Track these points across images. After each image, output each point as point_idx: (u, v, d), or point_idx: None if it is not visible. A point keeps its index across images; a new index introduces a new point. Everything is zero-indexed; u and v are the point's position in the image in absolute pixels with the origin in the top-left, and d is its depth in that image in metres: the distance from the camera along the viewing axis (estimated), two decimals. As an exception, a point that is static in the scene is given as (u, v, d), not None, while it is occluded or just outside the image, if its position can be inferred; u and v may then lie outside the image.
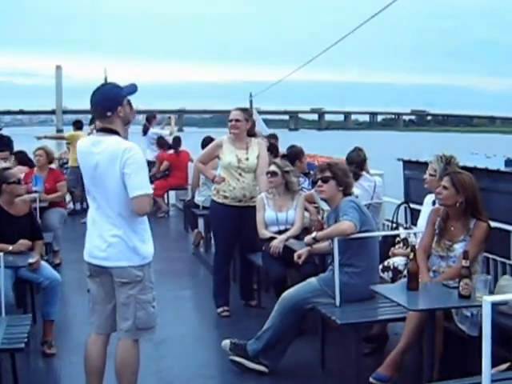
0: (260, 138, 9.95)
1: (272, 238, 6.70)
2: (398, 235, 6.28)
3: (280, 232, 6.80)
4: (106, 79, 16.28)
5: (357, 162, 7.40)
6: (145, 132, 15.03)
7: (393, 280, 5.71)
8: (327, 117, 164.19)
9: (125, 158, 4.18)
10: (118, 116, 4.35)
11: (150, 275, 4.44)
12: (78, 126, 14.74)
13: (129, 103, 4.46)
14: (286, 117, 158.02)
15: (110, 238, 4.29)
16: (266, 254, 6.69)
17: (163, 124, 16.05)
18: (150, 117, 15.44)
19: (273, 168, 6.90)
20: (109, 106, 4.33)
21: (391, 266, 5.85)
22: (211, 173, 7.42)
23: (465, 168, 6.02)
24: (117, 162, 4.18)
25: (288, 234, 6.70)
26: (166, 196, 14.56)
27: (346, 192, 5.55)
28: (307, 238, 5.67)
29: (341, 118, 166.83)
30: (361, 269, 5.34)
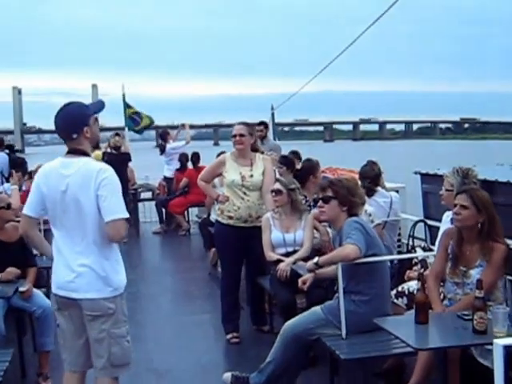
0: (270, 152, 9.57)
1: (279, 261, 6.22)
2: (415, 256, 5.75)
3: (288, 254, 6.32)
4: (124, 96, 15.99)
5: (371, 177, 6.92)
6: (162, 151, 14.60)
7: (408, 307, 5.19)
8: (362, 127, 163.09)
9: (99, 178, 3.89)
10: (85, 137, 4.05)
11: (123, 307, 4.12)
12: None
13: (96, 122, 4.14)
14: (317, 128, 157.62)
15: (79, 268, 3.96)
16: (273, 277, 6.22)
17: (176, 134, 15.54)
18: (164, 134, 14.99)
19: (277, 186, 6.43)
20: (73, 127, 4.02)
21: (406, 291, 5.33)
22: (214, 192, 7.00)
23: (485, 181, 5.48)
24: (91, 183, 3.88)
25: (296, 256, 6.22)
26: (186, 213, 14.14)
27: (351, 212, 5.05)
28: (309, 264, 5.18)
29: (376, 127, 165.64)
30: (369, 296, 4.82)
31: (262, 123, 12.56)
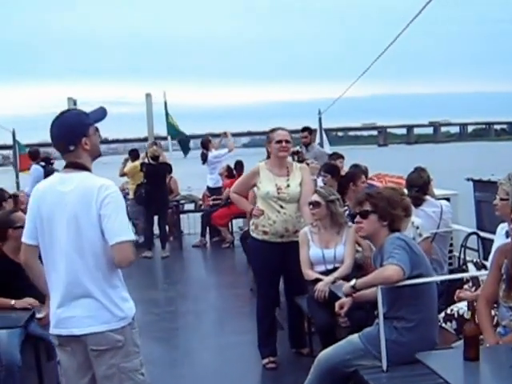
0: (311, 161, 9.07)
1: (318, 280, 5.69)
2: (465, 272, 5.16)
3: (328, 272, 5.79)
4: (165, 104, 15.66)
5: (419, 185, 6.35)
6: (204, 159, 14.14)
7: (458, 332, 4.61)
8: (416, 130, 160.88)
9: (101, 196, 3.45)
10: (84, 149, 3.59)
11: (134, 337, 3.64)
12: (134, 155, 14.07)
13: (97, 132, 3.71)
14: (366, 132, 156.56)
15: (80, 299, 3.51)
16: (311, 298, 5.69)
17: (219, 142, 15.07)
18: (205, 142, 14.47)
19: (315, 197, 5.90)
20: (70, 138, 3.57)
21: (455, 314, 4.75)
22: (248, 205, 6.50)
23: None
24: (92, 201, 3.45)
25: (335, 274, 5.68)
26: (230, 225, 13.66)
27: (393, 227, 4.50)
28: (345, 287, 4.62)
29: (430, 130, 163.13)
30: (414, 323, 4.26)
31: (306, 129, 12.05)
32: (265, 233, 6.15)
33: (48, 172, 10.82)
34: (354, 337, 4.45)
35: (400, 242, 4.27)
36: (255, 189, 6.37)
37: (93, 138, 3.62)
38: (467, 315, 4.55)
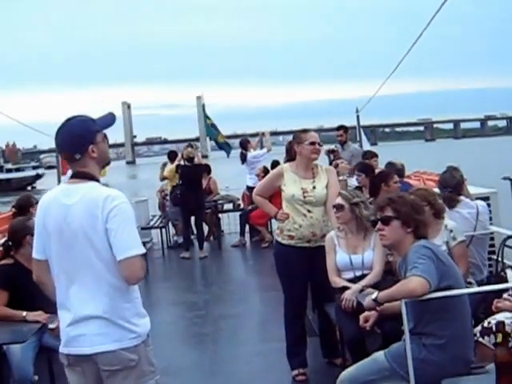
0: (340, 161, 8.65)
1: (345, 288, 5.24)
2: (505, 281, 4.65)
3: (356, 279, 5.33)
4: (203, 106, 15.39)
5: (452, 185, 5.85)
6: (243, 160, 13.76)
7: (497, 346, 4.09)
8: (463, 125, 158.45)
9: (108, 208, 3.15)
10: (91, 157, 3.29)
11: (149, 356, 3.36)
12: (172, 157, 13.75)
13: (105, 139, 3.39)
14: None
15: (91, 316, 3.20)
16: (338, 307, 5.23)
17: (257, 142, 14.68)
18: (244, 142, 14.12)
19: (338, 200, 5.46)
20: (76, 146, 3.28)
21: (493, 327, 4.24)
22: (272, 208, 6.07)
23: None
24: (98, 214, 3.14)
25: (363, 282, 5.22)
26: (269, 224, 13.24)
27: (418, 234, 4.03)
28: (367, 301, 4.17)
29: (477, 125, 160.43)
30: (444, 339, 3.80)
31: (342, 127, 11.62)
32: (290, 237, 5.74)
33: None
34: (380, 354, 4.01)
35: (425, 251, 3.81)
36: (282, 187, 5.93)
37: (101, 146, 3.32)
38: (509, 328, 4.02)
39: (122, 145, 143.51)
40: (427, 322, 3.84)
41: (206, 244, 12.94)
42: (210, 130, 15.66)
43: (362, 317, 4.43)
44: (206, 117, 15.64)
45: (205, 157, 16.21)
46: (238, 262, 12.56)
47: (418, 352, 3.79)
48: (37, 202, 7.15)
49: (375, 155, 9.49)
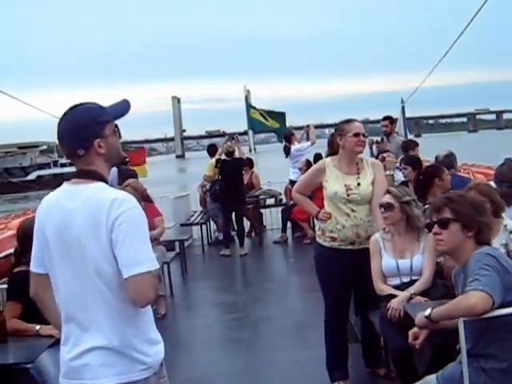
0: (387, 154, 8.04)
1: (392, 296, 4.66)
2: None
3: (403, 286, 4.76)
4: (246, 98, 14.84)
5: (510, 180, 5.19)
6: (287, 153, 13.18)
7: None
8: (505, 116, 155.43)
9: (113, 215, 2.55)
10: (98, 153, 2.70)
11: None
12: (211, 151, 13.25)
13: (116, 131, 2.78)
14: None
15: (94, 343, 2.62)
16: (384, 317, 4.66)
17: (302, 135, 14.06)
18: (288, 135, 13.51)
19: (386, 199, 4.86)
20: (79, 139, 2.67)
21: None
22: (313, 207, 5.50)
23: None
24: (102, 221, 2.55)
25: (412, 289, 4.63)
26: (311, 220, 12.64)
27: (481, 239, 3.44)
28: (419, 318, 3.58)
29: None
30: (507, 363, 3.23)
31: (388, 118, 10.97)
32: (333, 239, 5.18)
33: (123, 174, 10.03)
34: (431, 378, 3.45)
35: (489, 260, 3.22)
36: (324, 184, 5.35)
37: (110, 140, 2.71)
38: None
39: (171, 139, 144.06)
40: (487, 342, 3.26)
41: (247, 240, 12.46)
42: (254, 122, 15.09)
43: (411, 333, 3.85)
44: (251, 107, 15.06)
45: (251, 150, 15.75)
46: (279, 260, 12.00)
47: (476, 377, 3.22)
48: None
49: (416, 144, 8.90)
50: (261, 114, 15.15)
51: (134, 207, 2.60)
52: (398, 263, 4.79)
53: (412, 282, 4.73)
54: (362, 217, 5.13)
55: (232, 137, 12.50)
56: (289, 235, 12.89)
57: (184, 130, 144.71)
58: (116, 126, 2.79)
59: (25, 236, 4.71)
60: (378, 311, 4.93)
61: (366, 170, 5.22)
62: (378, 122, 11.71)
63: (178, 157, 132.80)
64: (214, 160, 12.52)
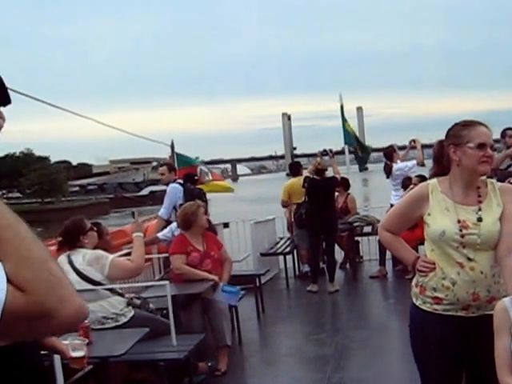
0: None
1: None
2: None
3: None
4: (342, 108, 13.47)
5: None
6: (388, 173, 11.33)
7: None
8: None
9: None
10: None
11: None
12: (294, 169, 11.73)
13: None
14: None
15: None
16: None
17: (406, 152, 12.13)
18: (390, 151, 11.57)
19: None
20: None
21: None
22: (408, 253, 3.81)
23: None
24: None
25: None
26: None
27: None
28: None
29: None
30: None
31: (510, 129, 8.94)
32: (437, 300, 3.48)
33: (189, 192, 8.78)
34: None
35: None
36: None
37: None
38: None
39: (282, 157, 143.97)
40: None
41: (339, 273, 10.74)
42: (349, 136, 13.55)
43: None
44: (345, 120, 13.58)
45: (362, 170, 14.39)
46: (376, 300, 10.05)
47: None
48: (91, 229, 5.54)
49: None
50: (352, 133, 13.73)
51: None
52: (542, 348, 3.03)
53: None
54: (484, 269, 3.40)
55: (325, 152, 10.88)
56: (388, 269, 11.06)
57: (295, 148, 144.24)
58: None
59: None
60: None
61: (491, 198, 3.49)
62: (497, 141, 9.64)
63: (288, 175, 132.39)
64: (295, 180, 11.03)
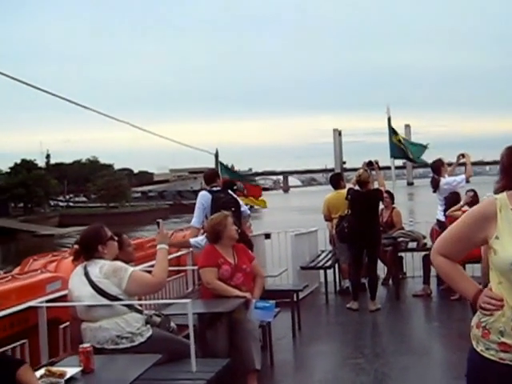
0: None
1: None
2: None
3: None
4: (389, 120, 12.65)
5: None
6: (435, 187, 10.28)
7: None
8: None
9: None
10: None
11: None
12: (335, 181, 10.81)
13: None
14: None
15: None
16: None
17: (454, 166, 11.03)
18: (438, 164, 10.48)
19: None
20: None
21: None
22: (469, 283, 2.84)
23: None
24: None
25: None
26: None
27: None
28: None
29: None
30: None
31: None
32: (505, 347, 2.54)
33: (216, 199, 7.87)
34: None
35: None
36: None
37: None
38: None
39: (332, 170, 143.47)
40: None
41: (381, 290, 9.75)
42: (394, 148, 12.60)
43: None
44: (393, 132, 12.64)
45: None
46: (419, 322, 8.93)
47: None
48: (111, 238, 4.70)
49: None
50: (399, 141, 12.70)
51: None
52: None
53: None
54: None
55: (371, 163, 9.89)
56: (433, 287, 9.98)
57: (344, 162, 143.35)
58: None
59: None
60: None
61: None
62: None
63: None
64: (333, 194, 10.28)
